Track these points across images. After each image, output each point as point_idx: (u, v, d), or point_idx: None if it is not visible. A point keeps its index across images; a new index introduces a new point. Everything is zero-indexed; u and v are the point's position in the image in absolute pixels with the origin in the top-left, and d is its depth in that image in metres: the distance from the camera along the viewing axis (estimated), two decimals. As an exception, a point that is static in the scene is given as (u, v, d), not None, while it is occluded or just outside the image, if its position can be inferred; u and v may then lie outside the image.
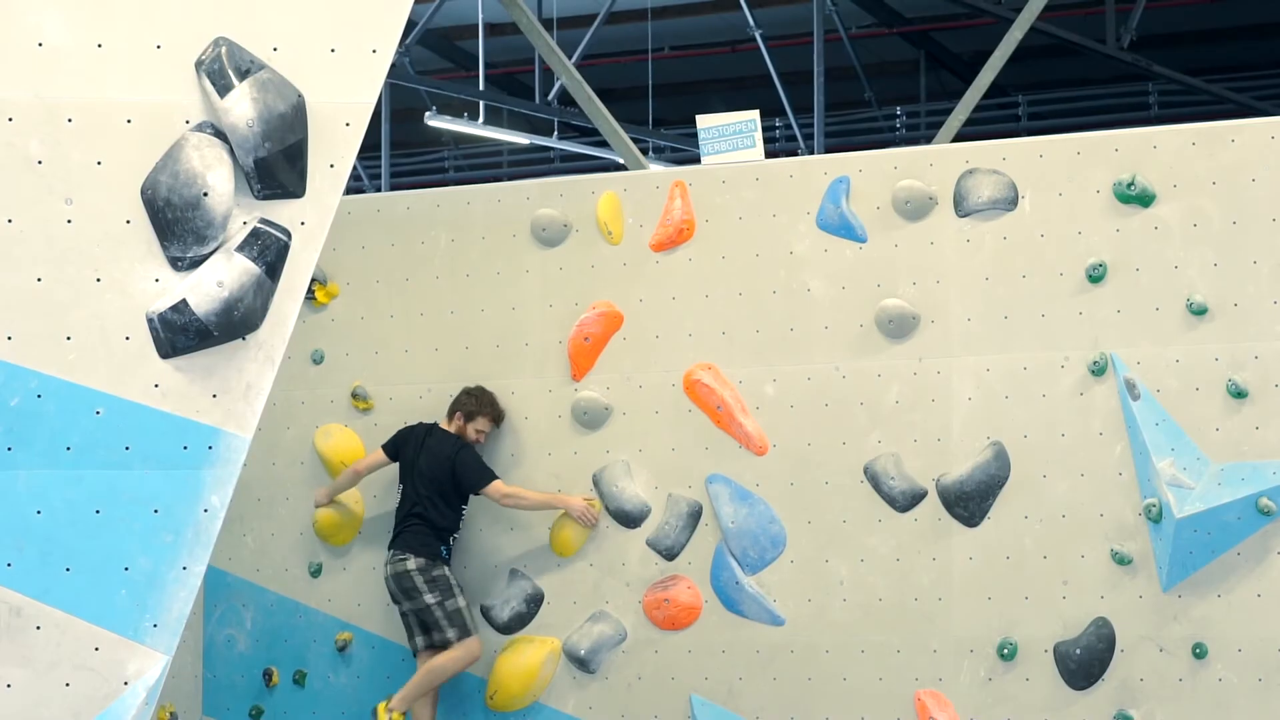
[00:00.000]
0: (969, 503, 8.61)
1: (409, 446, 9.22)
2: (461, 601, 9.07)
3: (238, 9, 6.07)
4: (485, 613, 9.26)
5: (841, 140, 21.14)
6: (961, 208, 8.70)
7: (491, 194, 9.52)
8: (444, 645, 9.06)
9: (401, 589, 9.06)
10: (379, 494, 9.45)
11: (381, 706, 9.08)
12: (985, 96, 13.70)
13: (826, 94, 19.29)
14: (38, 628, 5.85)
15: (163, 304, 5.95)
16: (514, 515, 9.25)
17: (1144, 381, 8.37)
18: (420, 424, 9.28)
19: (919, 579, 8.68)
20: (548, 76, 19.68)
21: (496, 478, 9.08)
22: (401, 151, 23.59)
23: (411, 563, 9.04)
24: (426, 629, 9.09)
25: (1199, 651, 8.28)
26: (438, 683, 9.08)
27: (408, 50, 18.74)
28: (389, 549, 9.17)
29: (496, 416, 9.18)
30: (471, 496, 9.18)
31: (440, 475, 9.08)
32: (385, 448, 9.29)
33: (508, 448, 9.25)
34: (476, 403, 9.15)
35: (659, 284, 9.11)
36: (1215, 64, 21.36)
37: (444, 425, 9.22)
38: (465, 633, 9.05)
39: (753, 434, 8.91)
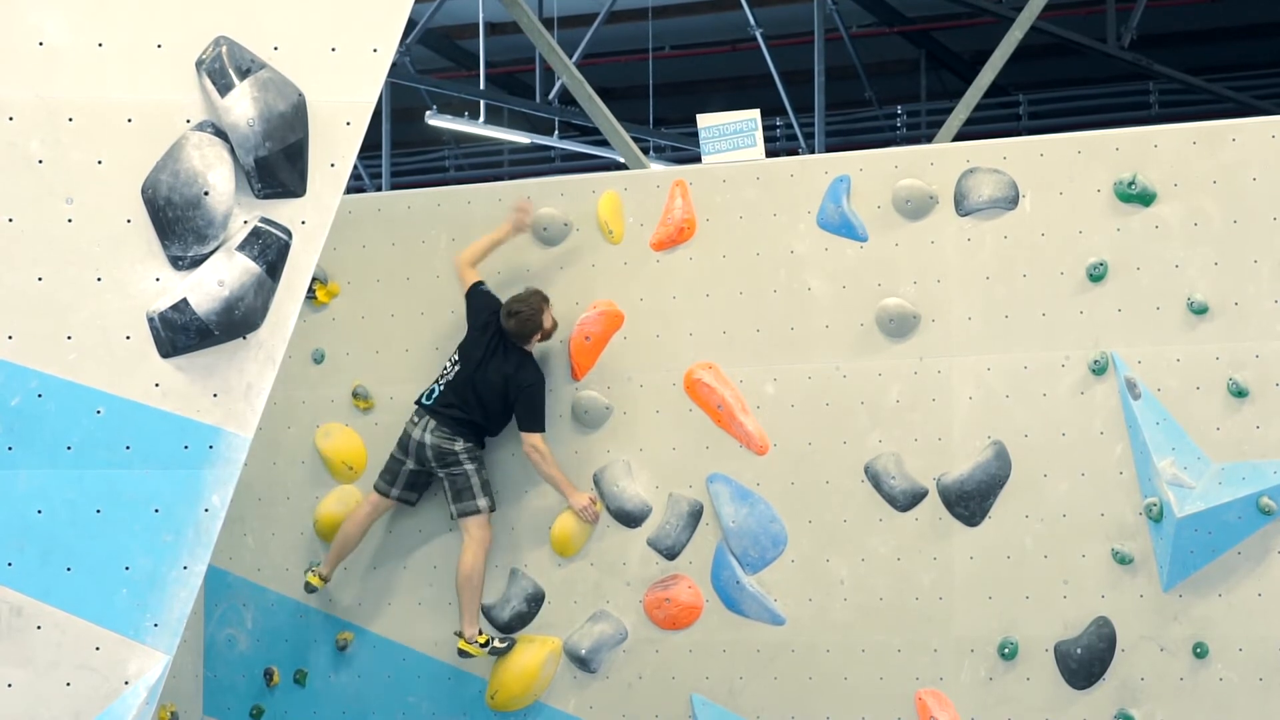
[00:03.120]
0: (970, 502, 8.61)
1: (480, 336, 9.08)
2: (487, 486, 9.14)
3: (238, 8, 6.07)
4: (486, 613, 9.25)
5: (842, 139, 21.13)
6: (962, 207, 8.70)
7: (492, 193, 9.52)
8: (464, 514, 9.05)
9: (440, 458, 9.05)
10: (379, 493, 9.46)
11: (462, 643, 9.05)
12: (986, 96, 13.69)
13: (827, 93, 19.28)
14: (38, 627, 5.85)
15: (163, 303, 5.95)
16: (515, 515, 9.25)
17: (1145, 381, 8.37)
18: (499, 313, 9.05)
19: (920, 578, 8.68)
20: (548, 76, 19.67)
21: (541, 431, 9.05)
22: (402, 151, 23.58)
23: (460, 445, 9.04)
24: (458, 495, 9.07)
25: (1199, 651, 8.28)
26: (480, 583, 9.08)
27: (408, 49, 18.74)
28: (424, 415, 9.06)
29: (545, 298, 9.06)
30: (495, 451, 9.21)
31: (496, 394, 9.03)
32: (475, 307, 9.11)
33: (509, 447, 9.24)
34: (535, 313, 8.97)
35: (660, 283, 9.11)
36: (1216, 63, 21.35)
37: (524, 346, 9.06)
38: (492, 505, 9.09)
39: (753, 433, 8.91)
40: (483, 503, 9.06)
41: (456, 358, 9.14)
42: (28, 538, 5.86)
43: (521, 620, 9.22)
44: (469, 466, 9.06)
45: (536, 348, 9.12)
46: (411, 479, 9.18)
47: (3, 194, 5.90)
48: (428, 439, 9.06)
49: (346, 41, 6.11)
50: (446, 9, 18.98)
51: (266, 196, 6.03)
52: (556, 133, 21.02)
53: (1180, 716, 8.31)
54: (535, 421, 9.06)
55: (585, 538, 9.15)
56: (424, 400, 9.14)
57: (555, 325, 9.13)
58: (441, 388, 9.12)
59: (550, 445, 9.16)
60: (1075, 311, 8.51)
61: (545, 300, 9.07)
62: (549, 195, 9.32)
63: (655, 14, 20.69)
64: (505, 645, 9.12)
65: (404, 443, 9.15)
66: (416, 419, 9.12)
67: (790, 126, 20.84)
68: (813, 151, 19.66)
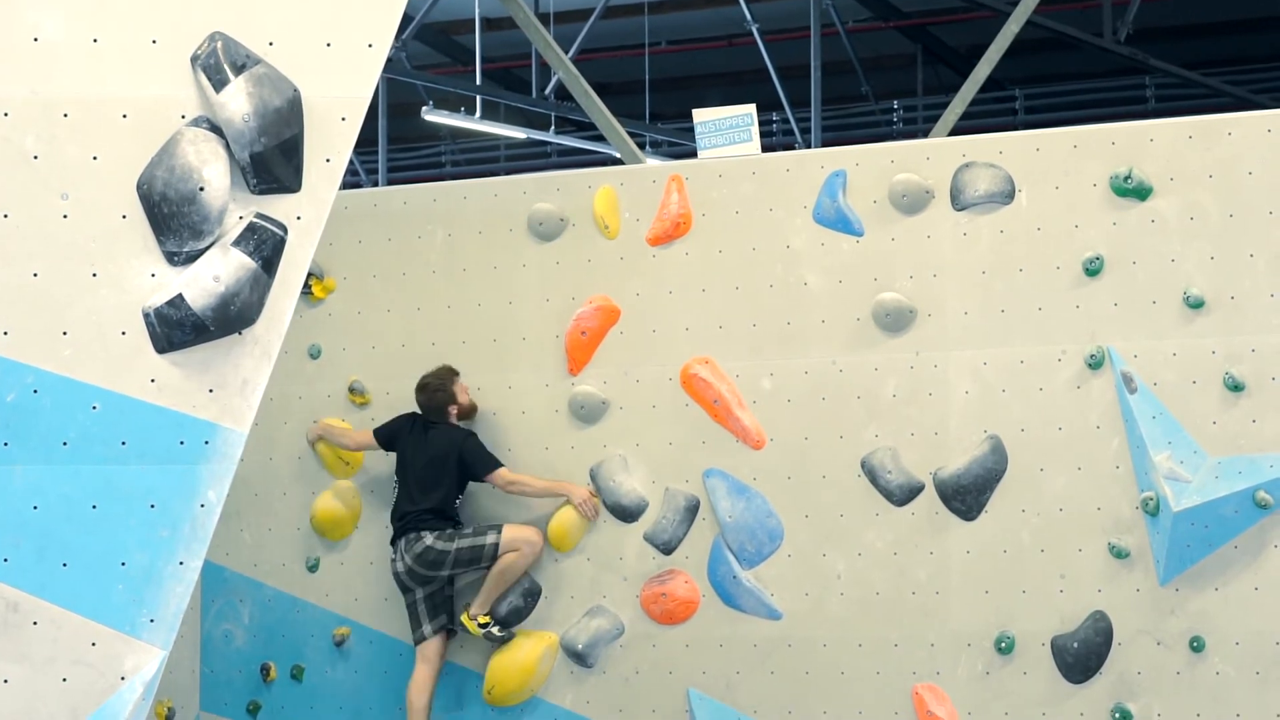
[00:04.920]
0: (966, 496, 8.61)
1: (402, 440, 9.23)
2: (481, 529, 9.12)
3: (234, 4, 6.06)
4: (483, 607, 9.28)
5: (838, 134, 21.13)
6: (958, 201, 8.70)
7: (488, 189, 9.52)
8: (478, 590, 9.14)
9: (428, 564, 9.05)
10: (376, 489, 9.46)
11: (464, 616, 9.09)
12: (982, 90, 13.69)
13: (823, 88, 19.26)
14: (34, 623, 5.85)
15: (159, 299, 5.94)
16: (512, 512, 9.24)
17: (1141, 375, 8.37)
18: (413, 415, 9.27)
19: (916, 573, 8.68)
20: (544, 71, 19.66)
21: (502, 465, 9.09)
22: (398, 146, 23.56)
23: (429, 538, 9.05)
24: (477, 560, 9.04)
25: (1196, 645, 8.29)
26: (512, 580, 9.07)
27: (404, 45, 18.72)
28: (395, 542, 9.17)
29: (454, 372, 9.23)
30: (470, 488, 9.20)
31: (444, 467, 9.08)
32: (378, 434, 9.31)
33: (505, 442, 9.24)
34: (442, 384, 9.17)
35: (656, 278, 9.11)
36: (1212, 57, 21.35)
37: (445, 420, 9.23)
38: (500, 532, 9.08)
39: (750, 428, 8.91)
40: (493, 536, 9.08)
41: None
42: (23, 533, 5.85)
43: (518, 615, 9.22)
44: (461, 542, 9.05)
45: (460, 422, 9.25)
46: (470, 559, 9.11)
47: (-2, 189, 5.89)
48: (405, 560, 9.11)
49: (342, 37, 6.10)
50: (442, 4, 18.97)
51: (262, 192, 6.02)
52: (553, 128, 21.01)
53: (1177, 710, 8.32)
54: (490, 461, 9.09)
55: (582, 533, 9.15)
56: (393, 520, 9.24)
57: (474, 404, 9.26)
58: (395, 511, 9.23)
59: (547, 441, 9.17)
60: (1071, 306, 8.51)
61: (454, 373, 9.20)
62: (545, 190, 9.32)
63: (651, 9, 20.68)
64: (502, 636, 9.11)
65: (398, 580, 9.21)
66: (392, 552, 9.19)
67: (786, 121, 20.83)
68: (809, 146, 19.65)
